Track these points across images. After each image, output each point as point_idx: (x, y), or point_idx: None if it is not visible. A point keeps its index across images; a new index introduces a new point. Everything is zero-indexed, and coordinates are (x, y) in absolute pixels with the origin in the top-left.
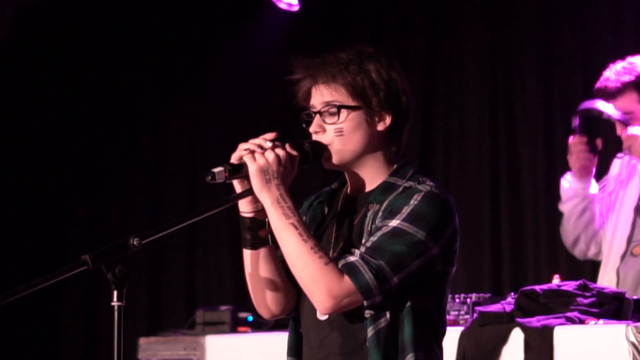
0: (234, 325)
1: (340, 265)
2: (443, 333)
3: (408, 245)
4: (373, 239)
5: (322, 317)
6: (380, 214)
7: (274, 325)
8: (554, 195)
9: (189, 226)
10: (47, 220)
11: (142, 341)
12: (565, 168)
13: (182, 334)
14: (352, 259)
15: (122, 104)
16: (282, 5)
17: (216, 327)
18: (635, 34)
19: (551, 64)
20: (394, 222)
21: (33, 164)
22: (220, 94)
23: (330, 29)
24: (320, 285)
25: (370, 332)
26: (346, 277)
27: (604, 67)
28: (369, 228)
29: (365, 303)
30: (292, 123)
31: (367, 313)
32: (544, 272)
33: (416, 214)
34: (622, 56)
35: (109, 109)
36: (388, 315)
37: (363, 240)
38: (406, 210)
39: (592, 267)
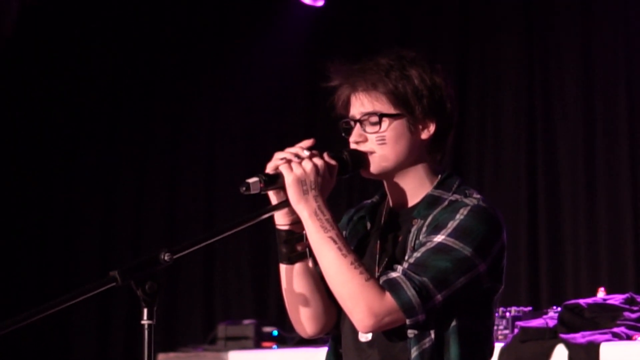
0: (258, 340)
1: (381, 282)
2: (490, 354)
3: (453, 262)
4: (417, 254)
5: (364, 337)
6: (424, 229)
7: (300, 340)
8: (595, 202)
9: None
10: (56, 233)
11: (161, 357)
12: (606, 174)
13: (203, 350)
14: (394, 275)
15: (135, 108)
16: (306, 0)
17: (239, 342)
18: None
19: (591, 66)
20: (439, 238)
21: (40, 170)
22: (239, 95)
23: (356, 25)
24: (361, 302)
25: (414, 352)
26: (388, 294)
27: None
28: (413, 244)
29: (407, 322)
30: (316, 127)
31: (410, 333)
32: (583, 284)
33: (462, 229)
34: None
35: (121, 114)
36: (433, 335)
37: (406, 257)
38: (452, 225)
39: (636, 279)
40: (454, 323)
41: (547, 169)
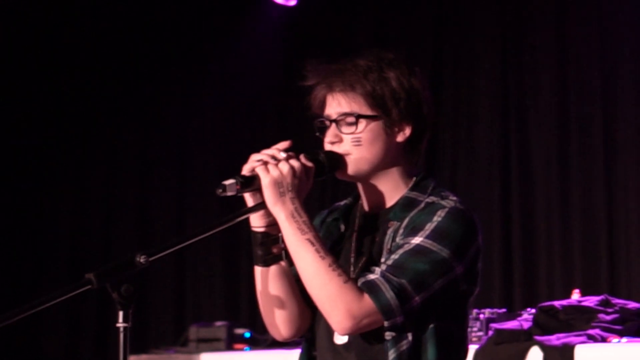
0: (230, 342)
1: (360, 284)
2: (465, 356)
3: (431, 264)
4: (394, 256)
5: (340, 340)
6: (401, 231)
7: (272, 342)
8: (568, 204)
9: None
10: (26, 237)
11: (133, 359)
12: (579, 176)
13: (174, 352)
14: (372, 277)
15: (106, 108)
16: (279, 0)
17: (211, 344)
18: None
19: (566, 68)
20: (417, 240)
21: (10, 174)
22: (212, 96)
23: (330, 25)
24: (339, 304)
25: (391, 354)
26: (366, 296)
27: (623, 72)
28: (389, 246)
29: (385, 323)
30: (289, 128)
31: (388, 335)
32: (557, 286)
33: (440, 231)
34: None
35: (92, 115)
36: (410, 337)
37: (383, 259)
38: (429, 227)
39: (609, 281)
40: (431, 325)
41: (521, 170)
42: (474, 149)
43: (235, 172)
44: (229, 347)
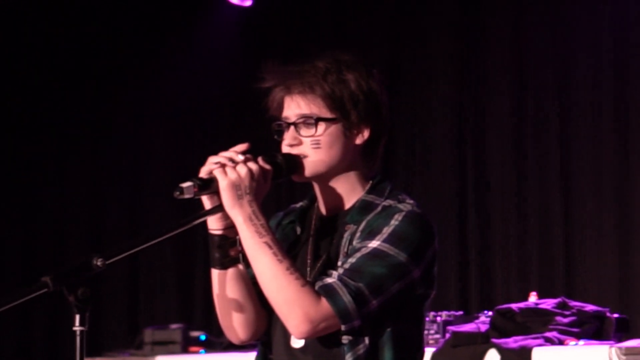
0: (186, 345)
1: (317, 288)
2: (421, 359)
3: (388, 268)
4: (352, 260)
5: (297, 343)
6: (358, 234)
7: (228, 345)
8: (525, 207)
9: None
10: None
11: None
12: (536, 178)
13: (129, 355)
14: (329, 280)
15: (57, 109)
16: (234, 0)
17: (166, 346)
18: (610, 40)
19: (523, 69)
20: (374, 243)
21: None
22: (166, 97)
23: (285, 26)
24: (296, 308)
25: (348, 358)
26: (323, 300)
27: (579, 74)
28: (346, 249)
29: (343, 327)
30: (244, 130)
31: (345, 338)
32: (513, 288)
33: (397, 235)
34: (598, 59)
35: (43, 115)
36: (367, 340)
37: (340, 262)
38: (387, 230)
39: (565, 284)
40: (388, 329)
41: (476, 173)
42: (430, 152)
43: (191, 174)
44: (185, 350)
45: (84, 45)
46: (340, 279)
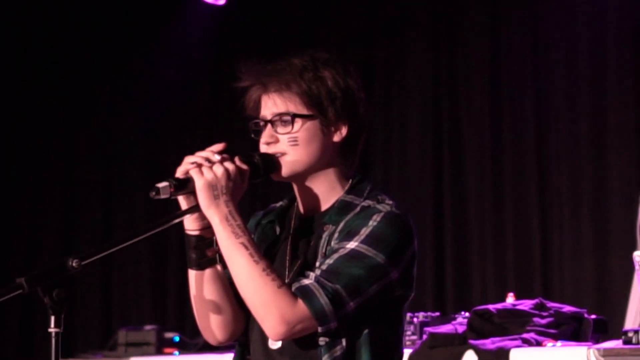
0: (160, 346)
1: (294, 289)
2: None
3: (366, 269)
4: (329, 261)
5: (274, 345)
6: (336, 235)
7: (203, 346)
8: (501, 206)
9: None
10: None
11: None
12: (513, 180)
13: (102, 356)
14: (306, 282)
15: (29, 107)
16: None
17: (140, 348)
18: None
19: (498, 68)
20: (352, 245)
21: None
22: (138, 96)
23: (260, 24)
24: (273, 309)
25: None
26: (300, 302)
27: (556, 75)
28: (324, 250)
29: (319, 329)
30: (219, 129)
31: (322, 340)
32: (490, 289)
33: (375, 236)
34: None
35: (14, 113)
36: (344, 342)
37: (317, 263)
38: (365, 231)
39: (542, 285)
40: (365, 331)
41: (453, 172)
42: (406, 151)
43: (164, 173)
44: (159, 352)
45: (56, 42)
46: (317, 280)
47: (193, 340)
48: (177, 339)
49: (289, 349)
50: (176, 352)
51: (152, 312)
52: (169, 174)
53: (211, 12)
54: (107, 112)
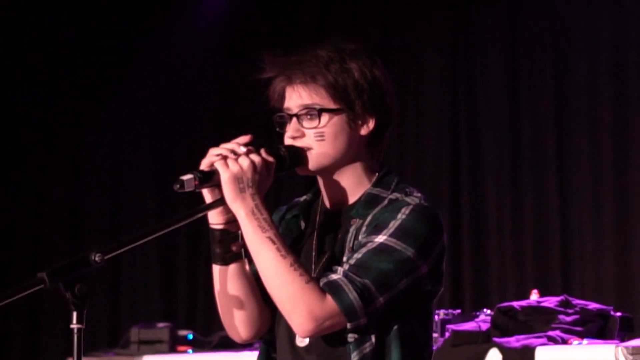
0: (173, 344)
1: (322, 284)
2: (429, 358)
3: (395, 263)
4: (357, 255)
5: (302, 342)
6: (364, 229)
7: (217, 344)
8: (520, 200)
9: (114, 237)
10: None
11: None
12: (532, 174)
13: (114, 354)
14: (334, 277)
15: (36, 106)
16: None
17: (153, 346)
18: (608, 20)
19: (517, 58)
20: (381, 238)
21: None
22: (147, 92)
23: (271, 18)
24: (300, 305)
25: (354, 357)
26: (328, 297)
27: (576, 60)
28: (352, 244)
29: (348, 325)
30: (229, 123)
31: (351, 337)
32: (509, 286)
33: (404, 230)
34: (595, 43)
35: (21, 112)
36: (373, 339)
37: (345, 258)
38: (393, 225)
39: (563, 281)
40: (395, 327)
41: (471, 166)
42: (422, 144)
43: (173, 169)
44: (172, 349)
45: (66, 37)
46: (345, 275)
47: (207, 338)
48: (190, 336)
49: (316, 346)
50: (190, 350)
51: (161, 309)
52: (177, 170)
53: (222, 2)
54: (115, 106)
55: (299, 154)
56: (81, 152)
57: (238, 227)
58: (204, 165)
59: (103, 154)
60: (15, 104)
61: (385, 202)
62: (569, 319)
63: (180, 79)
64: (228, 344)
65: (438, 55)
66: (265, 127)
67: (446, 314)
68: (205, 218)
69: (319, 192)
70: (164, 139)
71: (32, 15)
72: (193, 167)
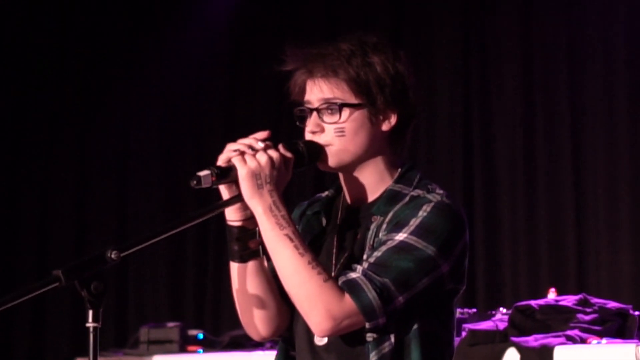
0: (183, 344)
1: (340, 283)
2: (450, 358)
3: (416, 262)
4: (377, 254)
5: (320, 341)
6: (384, 226)
7: (227, 344)
8: (534, 199)
9: (121, 236)
10: None
11: None
12: (546, 171)
13: (123, 354)
14: (353, 275)
15: (43, 102)
16: None
17: (163, 346)
18: (624, 15)
19: (531, 52)
20: (401, 236)
21: None
22: (155, 87)
23: (280, 8)
24: (319, 304)
25: (373, 357)
26: (347, 296)
27: (591, 55)
28: (372, 242)
29: (367, 325)
30: (237, 123)
31: (369, 336)
32: (523, 284)
33: (425, 227)
34: (610, 38)
35: (28, 110)
36: (392, 339)
37: (365, 256)
38: (414, 222)
39: (578, 280)
40: (415, 326)
41: (484, 163)
42: (435, 141)
43: (182, 167)
44: (182, 349)
45: (70, 38)
46: (365, 273)
47: (218, 338)
48: (201, 336)
49: (335, 346)
50: (200, 350)
51: (169, 309)
52: (185, 168)
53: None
54: (123, 104)
55: (318, 149)
56: (88, 150)
57: (256, 224)
58: (221, 160)
59: (110, 152)
60: (22, 104)
61: (407, 199)
62: (587, 318)
63: (188, 77)
64: (239, 344)
65: (450, 50)
66: (274, 125)
67: (462, 313)
68: (217, 215)
69: (340, 188)
70: (172, 137)
71: (39, 13)
72: (201, 166)
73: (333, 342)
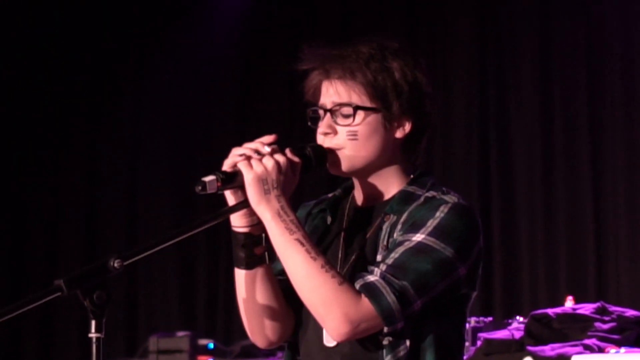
0: (193, 354)
1: (358, 286)
2: None
3: (434, 264)
4: (394, 255)
5: (330, 343)
6: (399, 226)
7: (238, 354)
8: (553, 206)
9: (132, 240)
10: None
11: None
12: (565, 177)
13: None
14: (371, 278)
15: (52, 105)
16: None
17: (172, 355)
18: None
19: (549, 56)
20: (419, 237)
21: None
22: (165, 89)
23: (292, 12)
24: (335, 308)
25: None
26: (364, 299)
27: (611, 57)
28: (385, 242)
29: (385, 329)
30: (249, 124)
31: (385, 340)
32: (541, 292)
33: (443, 228)
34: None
35: (37, 109)
36: (408, 343)
37: (379, 257)
38: (432, 223)
39: (597, 288)
40: (430, 330)
41: (501, 168)
42: (451, 147)
43: (193, 170)
44: (192, 359)
45: (80, 36)
46: (383, 276)
47: (228, 347)
48: (211, 345)
49: (348, 348)
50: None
51: (180, 318)
52: (197, 171)
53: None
54: (133, 105)
55: (325, 154)
56: (98, 153)
57: (262, 229)
58: (226, 165)
59: (121, 156)
60: (31, 104)
61: (422, 199)
62: (605, 326)
63: (199, 79)
64: (250, 353)
65: (466, 49)
66: (286, 126)
67: (477, 322)
68: (225, 222)
69: (350, 189)
70: (183, 139)
71: (50, 14)
72: (212, 168)
73: (346, 345)
